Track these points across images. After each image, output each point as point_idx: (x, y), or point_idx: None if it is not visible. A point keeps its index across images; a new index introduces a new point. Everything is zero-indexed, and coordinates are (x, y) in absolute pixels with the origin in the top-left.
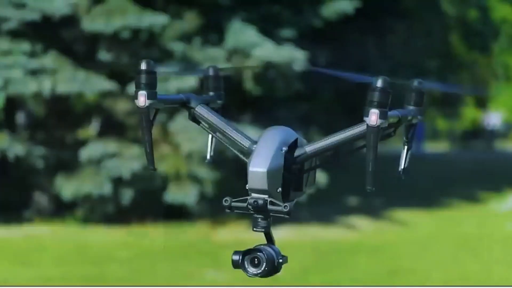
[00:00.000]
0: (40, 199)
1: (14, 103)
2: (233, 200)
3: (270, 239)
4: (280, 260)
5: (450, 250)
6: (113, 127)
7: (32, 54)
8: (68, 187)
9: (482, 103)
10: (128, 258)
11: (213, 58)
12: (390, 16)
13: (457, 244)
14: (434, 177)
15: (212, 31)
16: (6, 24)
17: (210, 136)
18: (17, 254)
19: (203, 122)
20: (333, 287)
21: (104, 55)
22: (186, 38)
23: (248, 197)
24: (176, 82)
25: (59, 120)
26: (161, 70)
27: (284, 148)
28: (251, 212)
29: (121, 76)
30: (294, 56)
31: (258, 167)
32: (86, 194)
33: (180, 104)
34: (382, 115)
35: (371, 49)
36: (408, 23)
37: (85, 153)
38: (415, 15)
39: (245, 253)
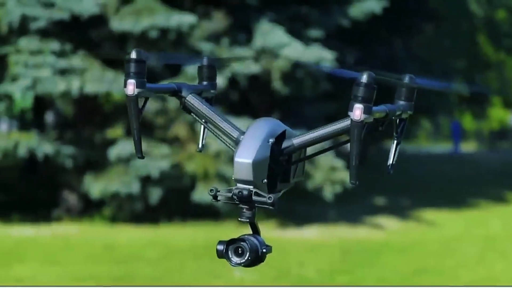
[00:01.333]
0: (69, 198)
1: (43, 103)
2: (219, 190)
3: (255, 229)
4: (264, 250)
5: (477, 250)
6: (141, 127)
7: (61, 54)
8: (96, 186)
9: (509, 103)
10: (156, 257)
11: (241, 58)
12: (417, 16)
13: (484, 244)
14: (461, 177)
15: (240, 31)
16: (35, 24)
17: (202, 126)
18: (46, 253)
19: (193, 112)
20: (360, 287)
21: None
22: (214, 38)
23: (233, 188)
24: None
25: (88, 120)
26: (153, 59)
27: (271, 140)
28: (236, 202)
29: (148, 75)
30: (322, 56)
31: (244, 158)
32: (114, 193)
33: (171, 93)
34: (367, 110)
35: (399, 48)
36: (435, 23)
37: (113, 152)
38: (443, 15)
39: (229, 243)
